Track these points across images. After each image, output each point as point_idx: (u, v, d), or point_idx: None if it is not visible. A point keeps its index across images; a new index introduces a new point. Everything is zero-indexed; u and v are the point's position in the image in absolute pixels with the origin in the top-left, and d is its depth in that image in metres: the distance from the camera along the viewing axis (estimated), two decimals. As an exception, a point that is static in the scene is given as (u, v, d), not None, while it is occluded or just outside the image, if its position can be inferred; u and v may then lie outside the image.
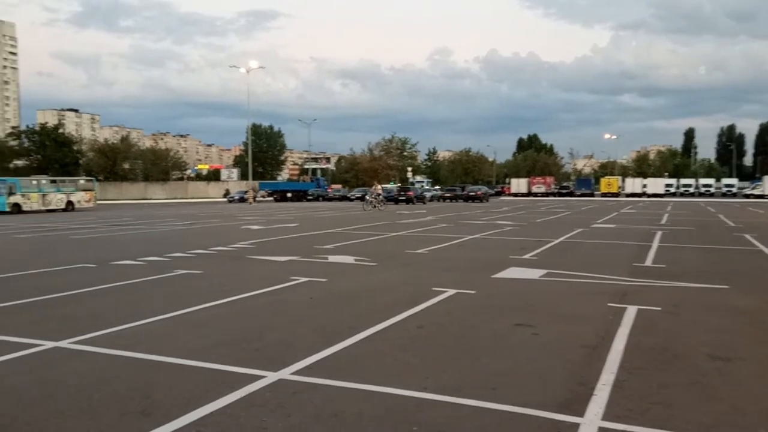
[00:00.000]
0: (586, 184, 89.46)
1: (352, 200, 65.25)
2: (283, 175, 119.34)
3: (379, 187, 46.20)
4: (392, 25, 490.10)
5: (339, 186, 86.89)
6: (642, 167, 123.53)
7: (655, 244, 17.08)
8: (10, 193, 39.00)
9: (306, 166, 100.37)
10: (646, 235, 20.13)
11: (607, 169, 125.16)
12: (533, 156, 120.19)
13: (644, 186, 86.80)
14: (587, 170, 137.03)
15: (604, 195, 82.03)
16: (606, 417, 4.45)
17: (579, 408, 4.62)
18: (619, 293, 9.34)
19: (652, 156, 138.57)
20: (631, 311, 7.97)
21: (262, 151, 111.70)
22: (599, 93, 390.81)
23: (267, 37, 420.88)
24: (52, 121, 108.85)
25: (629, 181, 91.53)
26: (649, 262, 13.28)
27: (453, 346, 6.38)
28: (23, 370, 5.60)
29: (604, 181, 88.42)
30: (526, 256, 14.06)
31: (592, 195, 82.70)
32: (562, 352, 6.12)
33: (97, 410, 4.61)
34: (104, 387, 5.11)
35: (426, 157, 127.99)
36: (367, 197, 43.80)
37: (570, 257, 14.14)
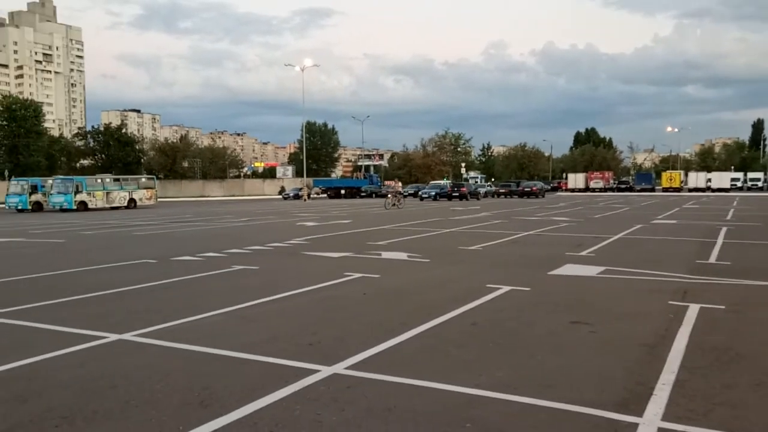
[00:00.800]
0: (647, 178, 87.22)
1: (405, 196, 65.28)
2: (337, 172, 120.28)
3: (399, 183, 44.14)
4: (446, 20, 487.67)
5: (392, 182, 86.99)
6: (706, 161, 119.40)
7: (720, 240, 16.53)
8: (77, 192, 40.50)
9: (359, 163, 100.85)
10: (710, 231, 19.50)
11: (669, 163, 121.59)
12: (591, 150, 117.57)
13: (708, 180, 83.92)
14: (647, 164, 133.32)
15: (666, 190, 79.69)
16: (666, 417, 4.33)
17: (637, 408, 4.51)
18: (680, 291, 9.08)
19: (717, 149, 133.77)
20: (693, 310, 7.74)
21: (317, 148, 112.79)
22: (661, 84, 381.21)
23: (321, 34, 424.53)
24: (115, 121, 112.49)
25: (692, 175, 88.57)
26: (712, 259, 12.86)
27: (507, 343, 6.32)
28: (89, 362, 5.81)
29: (665, 175, 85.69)
30: (583, 253, 13.81)
31: (652, 190, 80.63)
32: (620, 351, 5.99)
33: (159, 401, 4.75)
34: (165, 378, 5.26)
35: (480, 153, 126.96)
36: (388, 195, 40.42)
37: (629, 254, 13.82)
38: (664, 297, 8.61)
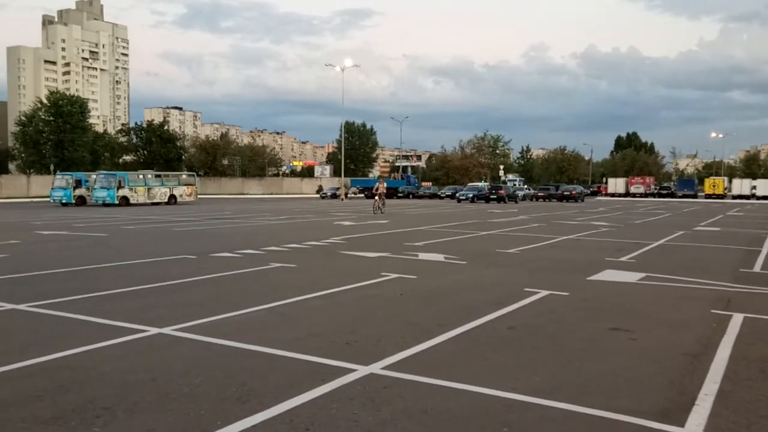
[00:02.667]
0: (689, 184, 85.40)
1: (442, 198, 65.18)
2: (375, 172, 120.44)
3: (384, 185, 37.52)
4: (487, 22, 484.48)
5: (429, 183, 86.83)
6: (751, 168, 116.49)
7: (765, 249, 16.10)
8: (120, 187, 41.33)
9: (397, 164, 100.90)
10: (755, 239, 19.02)
11: (712, 169, 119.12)
12: (632, 155, 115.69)
13: (753, 187, 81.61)
14: (690, 170, 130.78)
15: (708, 196, 77.92)
16: (708, 428, 4.24)
17: (679, 418, 4.42)
18: (723, 300, 8.88)
19: (763, 156, 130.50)
20: (737, 319, 7.55)
21: (355, 148, 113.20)
22: (705, 89, 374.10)
23: (361, 35, 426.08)
24: (157, 118, 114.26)
25: (736, 182, 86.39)
26: (757, 267, 12.54)
27: (545, 348, 6.25)
28: (130, 354, 5.92)
29: (708, 181, 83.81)
30: (623, 259, 13.59)
31: (695, 196, 78.87)
32: (661, 359, 5.88)
33: (198, 395, 4.82)
34: (204, 373, 5.33)
35: (519, 155, 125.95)
36: (375, 198, 35.11)
37: (670, 261, 13.55)
38: (706, 305, 8.43)
